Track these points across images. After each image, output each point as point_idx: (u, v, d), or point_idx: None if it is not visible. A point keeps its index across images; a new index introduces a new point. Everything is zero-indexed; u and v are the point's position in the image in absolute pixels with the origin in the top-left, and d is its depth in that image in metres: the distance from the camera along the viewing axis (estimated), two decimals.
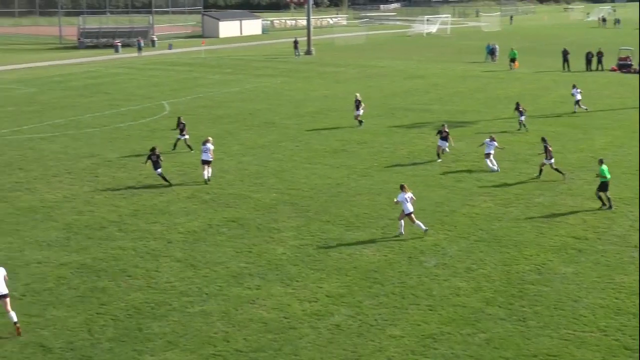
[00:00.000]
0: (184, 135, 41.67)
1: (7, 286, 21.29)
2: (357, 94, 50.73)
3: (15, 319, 21.11)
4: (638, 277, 24.48)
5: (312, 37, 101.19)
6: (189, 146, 41.58)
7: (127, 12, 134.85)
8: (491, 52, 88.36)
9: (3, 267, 21.79)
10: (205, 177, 35.69)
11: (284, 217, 30.78)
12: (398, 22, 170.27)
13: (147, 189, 34.90)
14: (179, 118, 42.72)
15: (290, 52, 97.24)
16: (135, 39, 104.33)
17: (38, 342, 20.52)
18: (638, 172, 36.23)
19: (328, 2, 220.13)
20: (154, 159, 35.00)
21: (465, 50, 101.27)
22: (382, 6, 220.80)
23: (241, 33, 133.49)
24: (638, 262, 25.77)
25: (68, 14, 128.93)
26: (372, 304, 22.79)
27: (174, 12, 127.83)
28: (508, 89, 64.94)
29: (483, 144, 37.95)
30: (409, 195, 28.25)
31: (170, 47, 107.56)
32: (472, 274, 25.00)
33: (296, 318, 21.93)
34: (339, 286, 24.09)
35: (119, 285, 24.21)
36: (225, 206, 32.35)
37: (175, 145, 41.86)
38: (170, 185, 35.07)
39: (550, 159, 35.59)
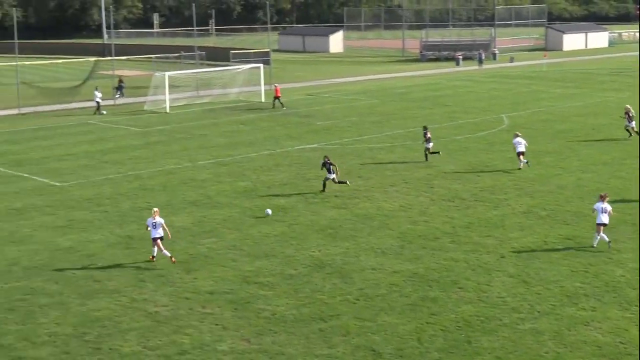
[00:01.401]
0: (428, 143, 42.22)
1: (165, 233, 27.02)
2: (629, 106, 47.97)
3: (169, 254, 26.93)
4: None
5: None
6: (432, 153, 42.49)
7: (469, 25, 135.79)
8: None
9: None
10: (522, 164, 40.00)
11: (624, 237, 29.25)
12: None
13: (482, 202, 34.68)
14: (424, 127, 43.43)
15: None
16: (476, 52, 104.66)
17: (369, 346, 20.93)
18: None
19: None
20: (327, 165, 36.54)
21: None
22: None
23: (586, 46, 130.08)
24: None
25: (411, 28, 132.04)
26: None
27: (517, 25, 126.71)
28: None
29: None
30: (605, 206, 27.68)
31: (511, 60, 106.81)
32: None
33: (634, 344, 20.68)
34: None
35: (449, 296, 24.17)
36: (562, 223, 31.36)
37: (426, 155, 42.68)
38: (323, 191, 36.49)
39: None
